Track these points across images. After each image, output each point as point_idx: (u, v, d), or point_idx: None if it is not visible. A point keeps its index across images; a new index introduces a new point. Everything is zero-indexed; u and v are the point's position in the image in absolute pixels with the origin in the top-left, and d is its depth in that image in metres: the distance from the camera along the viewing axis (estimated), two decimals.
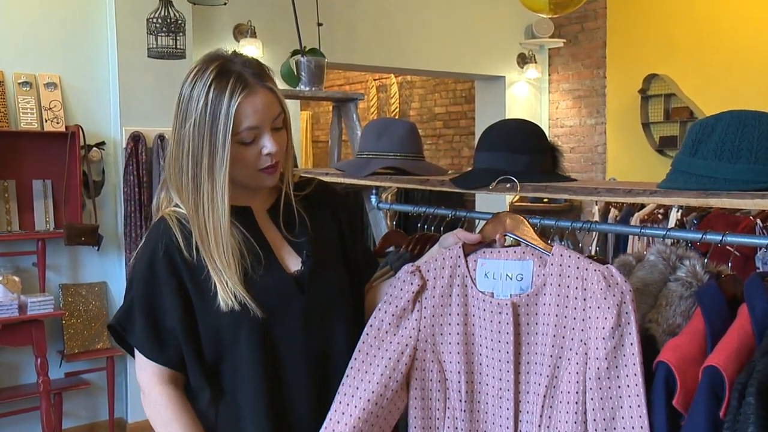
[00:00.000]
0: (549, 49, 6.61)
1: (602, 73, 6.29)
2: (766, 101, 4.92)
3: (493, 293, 1.38)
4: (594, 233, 1.78)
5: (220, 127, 1.29)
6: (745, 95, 4.97)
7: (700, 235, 1.49)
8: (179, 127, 1.34)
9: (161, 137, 4.09)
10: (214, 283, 1.33)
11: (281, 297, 1.38)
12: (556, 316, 1.31)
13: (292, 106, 5.48)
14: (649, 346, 1.33)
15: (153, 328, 1.37)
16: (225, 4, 4.07)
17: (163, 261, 1.35)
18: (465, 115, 7.76)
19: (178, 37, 3.79)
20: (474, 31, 6.05)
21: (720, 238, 1.45)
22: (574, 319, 1.30)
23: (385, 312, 1.42)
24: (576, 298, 1.30)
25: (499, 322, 1.35)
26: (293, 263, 1.43)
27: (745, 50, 5.19)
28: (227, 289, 1.32)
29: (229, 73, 1.31)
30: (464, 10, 5.98)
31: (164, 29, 3.76)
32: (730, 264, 1.48)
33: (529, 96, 6.59)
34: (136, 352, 1.41)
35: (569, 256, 1.33)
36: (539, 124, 2.16)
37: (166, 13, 3.76)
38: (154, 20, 3.76)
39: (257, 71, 1.34)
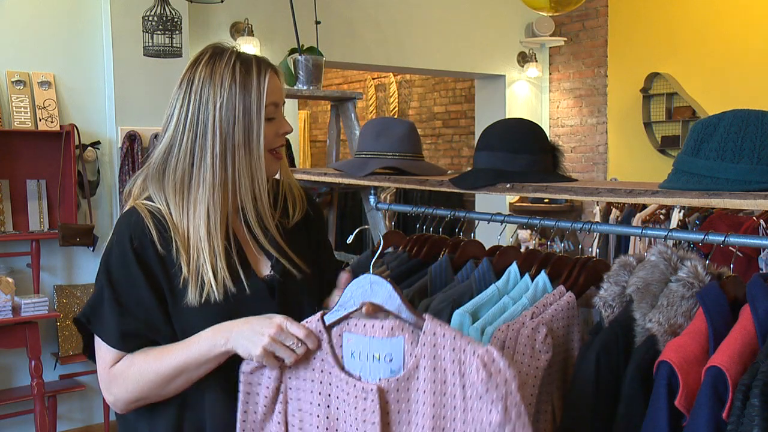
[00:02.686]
0: (550, 47, 6.60)
1: (603, 72, 6.26)
2: None
3: (360, 376, 1.22)
4: (595, 234, 1.75)
5: (254, 100, 1.33)
6: (748, 94, 4.94)
7: (702, 236, 1.48)
8: (193, 109, 1.33)
9: (156, 136, 4.04)
10: (184, 278, 1.30)
11: (252, 301, 1.34)
12: (433, 405, 1.16)
13: (290, 105, 5.44)
14: (651, 346, 1.32)
15: (120, 321, 1.30)
16: (222, 1, 4.04)
17: (135, 254, 1.31)
18: (465, 115, 7.74)
19: (174, 36, 3.76)
20: (474, 30, 6.02)
21: (722, 238, 1.44)
22: (454, 408, 1.15)
23: (253, 404, 1.28)
24: (454, 385, 1.15)
25: (364, 410, 1.19)
26: (264, 267, 1.40)
27: (748, 49, 5.16)
28: (210, 275, 1.30)
29: (250, 57, 1.38)
30: (464, 8, 5.95)
31: (160, 27, 3.74)
32: (732, 265, 1.47)
33: (529, 95, 6.56)
34: (99, 346, 1.33)
35: (443, 335, 1.16)
36: (540, 124, 2.15)
37: (162, 11, 3.73)
38: (150, 18, 3.73)
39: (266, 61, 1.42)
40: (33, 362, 3.65)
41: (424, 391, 1.17)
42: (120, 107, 4.08)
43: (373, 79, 8.73)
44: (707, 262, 1.42)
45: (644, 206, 4.34)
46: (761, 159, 1.33)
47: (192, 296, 1.30)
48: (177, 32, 3.77)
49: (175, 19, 3.75)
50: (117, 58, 4.07)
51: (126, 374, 1.30)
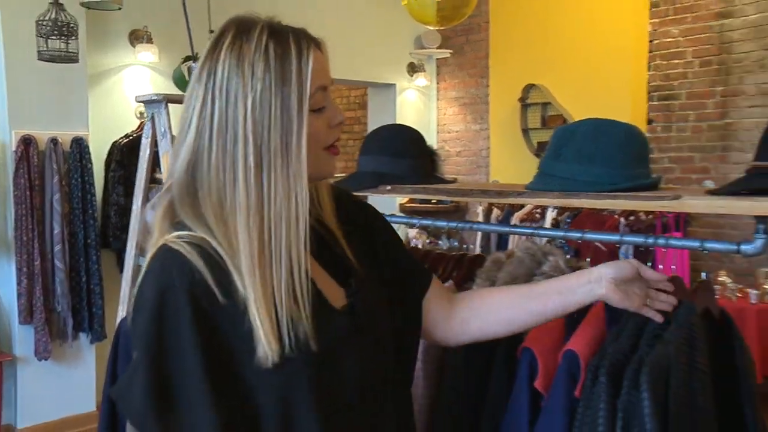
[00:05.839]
0: (437, 59, 6.80)
1: (486, 83, 6.51)
2: (625, 110, 5.39)
3: None
4: (477, 232, 1.94)
5: (293, 90, 0.99)
6: (610, 104, 5.26)
7: (563, 233, 1.68)
8: (220, 111, 0.99)
9: (54, 140, 4.02)
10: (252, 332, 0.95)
11: (336, 339, 1.03)
12: None
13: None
14: (515, 335, 1.36)
15: (161, 397, 0.94)
16: (120, 8, 4.06)
17: (187, 309, 0.94)
18: (358, 121, 7.91)
19: (70, 41, 3.70)
20: (367, 41, 6.16)
21: (580, 235, 1.53)
22: None
23: None
24: None
25: None
26: (339, 297, 1.08)
27: (610, 64, 5.51)
28: (275, 326, 0.95)
29: (284, 30, 1.03)
30: (358, 20, 6.07)
31: (55, 32, 3.66)
32: (589, 259, 1.65)
33: (418, 103, 6.77)
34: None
35: None
36: (428, 130, 2.33)
37: (56, 16, 3.67)
38: (44, 23, 3.65)
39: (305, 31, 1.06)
40: None
41: None
42: (13, 111, 3.98)
43: None
44: (569, 256, 1.57)
45: (522, 206, 4.67)
46: (612, 163, 1.41)
47: (262, 355, 0.94)
48: (73, 38, 3.71)
49: (71, 25, 3.68)
50: (9, 61, 3.96)
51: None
